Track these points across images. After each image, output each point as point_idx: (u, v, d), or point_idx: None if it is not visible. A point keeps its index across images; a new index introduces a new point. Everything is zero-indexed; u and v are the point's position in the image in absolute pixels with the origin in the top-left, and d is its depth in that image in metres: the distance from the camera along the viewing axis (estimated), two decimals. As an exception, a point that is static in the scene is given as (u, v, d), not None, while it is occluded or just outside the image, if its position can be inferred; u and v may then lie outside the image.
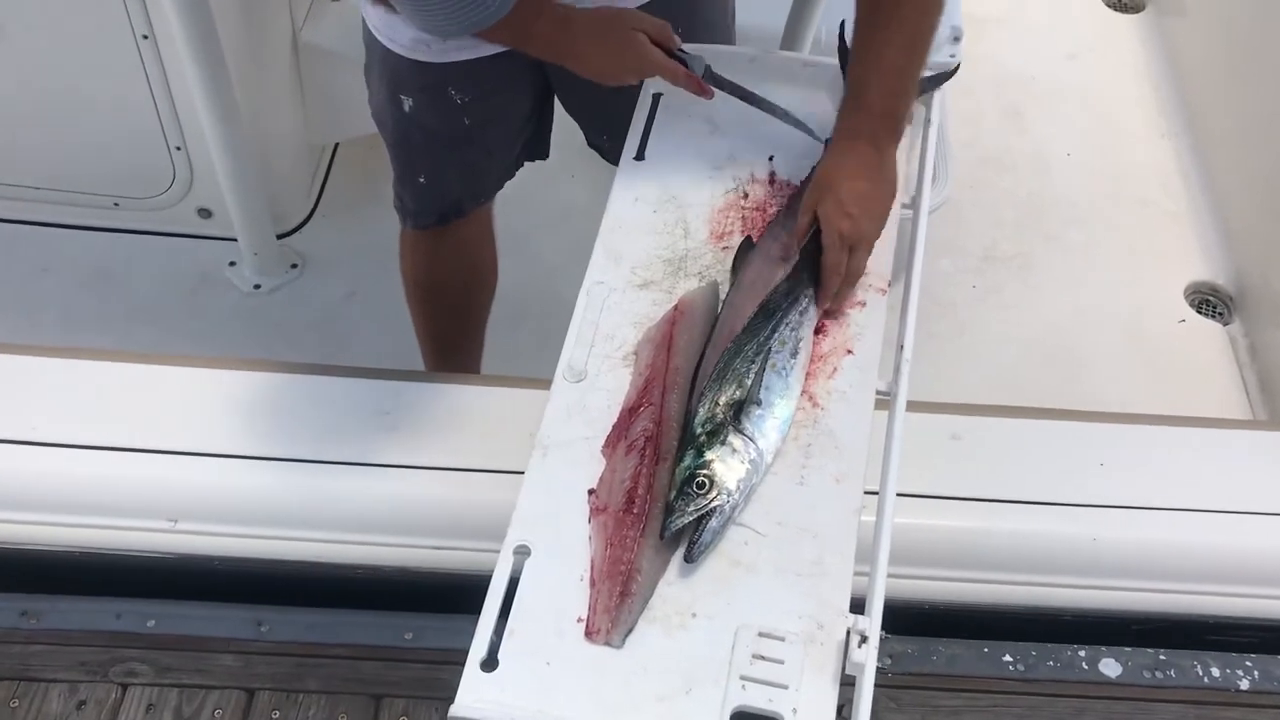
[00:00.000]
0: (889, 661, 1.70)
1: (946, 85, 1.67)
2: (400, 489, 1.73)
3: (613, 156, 1.67)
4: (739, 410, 1.26)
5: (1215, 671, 1.73)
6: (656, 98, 1.63)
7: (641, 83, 1.62)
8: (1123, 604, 1.73)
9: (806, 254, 1.41)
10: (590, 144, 1.99)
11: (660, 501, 1.20)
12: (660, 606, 1.14)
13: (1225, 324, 2.80)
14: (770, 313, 1.35)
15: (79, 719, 1.66)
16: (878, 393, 1.33)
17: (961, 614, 1.76)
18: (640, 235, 1.48)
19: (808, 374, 1.33)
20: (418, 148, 1.88)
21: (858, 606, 1.14)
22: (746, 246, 1.46)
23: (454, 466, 1.73)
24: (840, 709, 1.08)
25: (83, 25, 2.40)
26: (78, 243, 2.78)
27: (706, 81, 1.53)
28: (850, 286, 1.41)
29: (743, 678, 1.08)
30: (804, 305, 1.37)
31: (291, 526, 1.74)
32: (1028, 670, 1.73)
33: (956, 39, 2.36)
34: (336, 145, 3.02)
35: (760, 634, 1.11)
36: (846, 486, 1.24)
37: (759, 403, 1.27)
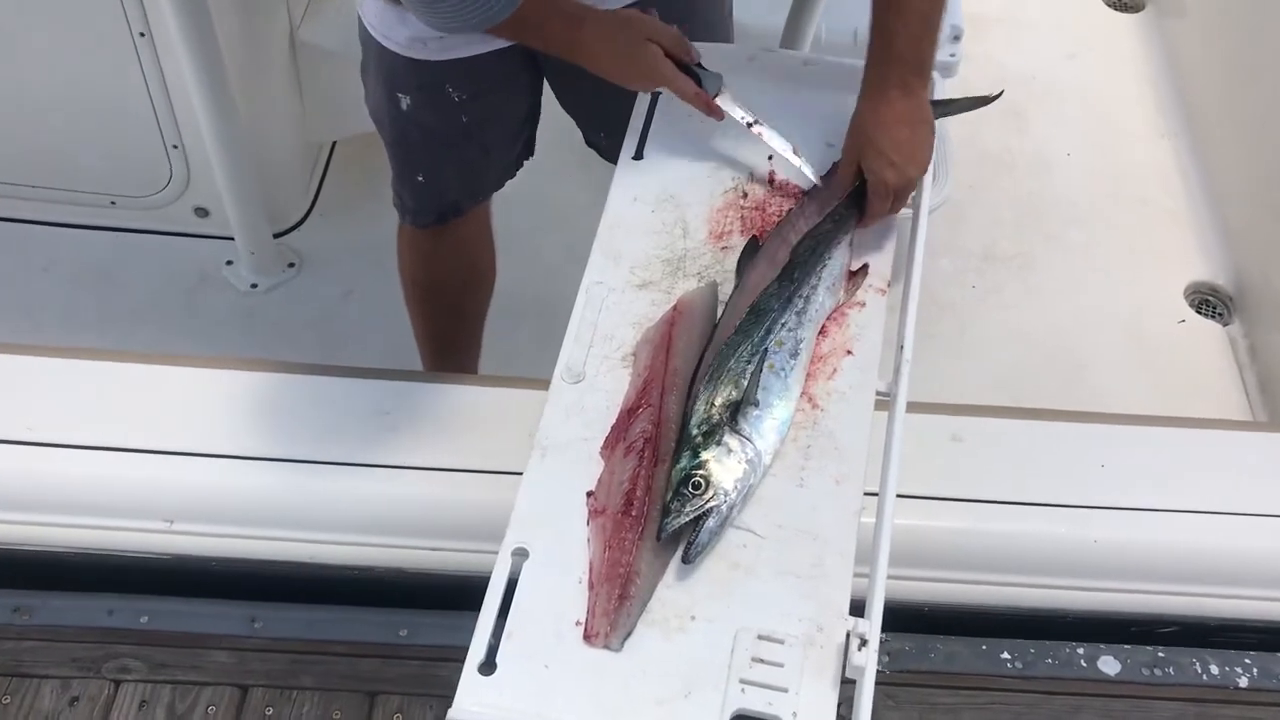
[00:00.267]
0: (886, 659, 1.70)
1: (945, 84, 1.66)
2: (398, 490, 1.73)
3: (611, 155, 1.66)
4: (735, 411, 1.25)
5: (1214, 669, 1.73)
6: (655, 96, 1.62)
7: None
8: (1124, 606, 1.73)
9: (849, 201, 1.47)
10: (588, 142, 1.98)
11: (659, 504, 1.19)
12: (659, 609, 1.13)
13: (1225, 324, 2.79)
14: (761, 314, 1.35)
15: (71, 716, 1.66)
16: (877, 393, 1.33)
17: (961, 616, 1.75)
18: (639, 235, 1.48)
19: (807, 375, 1.33)
20: (415, 146, 1.87)
21: (857, 609, 1.13)
22: (752, 248, 1.46)
23: (452, 467, 1.73)
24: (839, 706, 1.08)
25: (80, 23, 2.39)
26: (73, 241, 2.78)
27: (719, 104, 1.51)
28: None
29: (742, 681, 1.08)
30: (800, 306, 1.37)
31: (289, 527, 1.73)
32: (1026, 668, 1.73)
33: (957, 38, 2.36)
34: (334, 143, 3.02)
35: (760, 637, 1.11)
36: (846, 488, 1.23)
37: (756, 403, 1.26)
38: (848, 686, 1.09)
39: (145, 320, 2.66)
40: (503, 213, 2.15)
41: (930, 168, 1.50)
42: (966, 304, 2.77)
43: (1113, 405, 2.46)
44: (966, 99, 1.64)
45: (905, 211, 1.52)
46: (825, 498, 1.22)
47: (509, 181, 2.02)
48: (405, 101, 1.78)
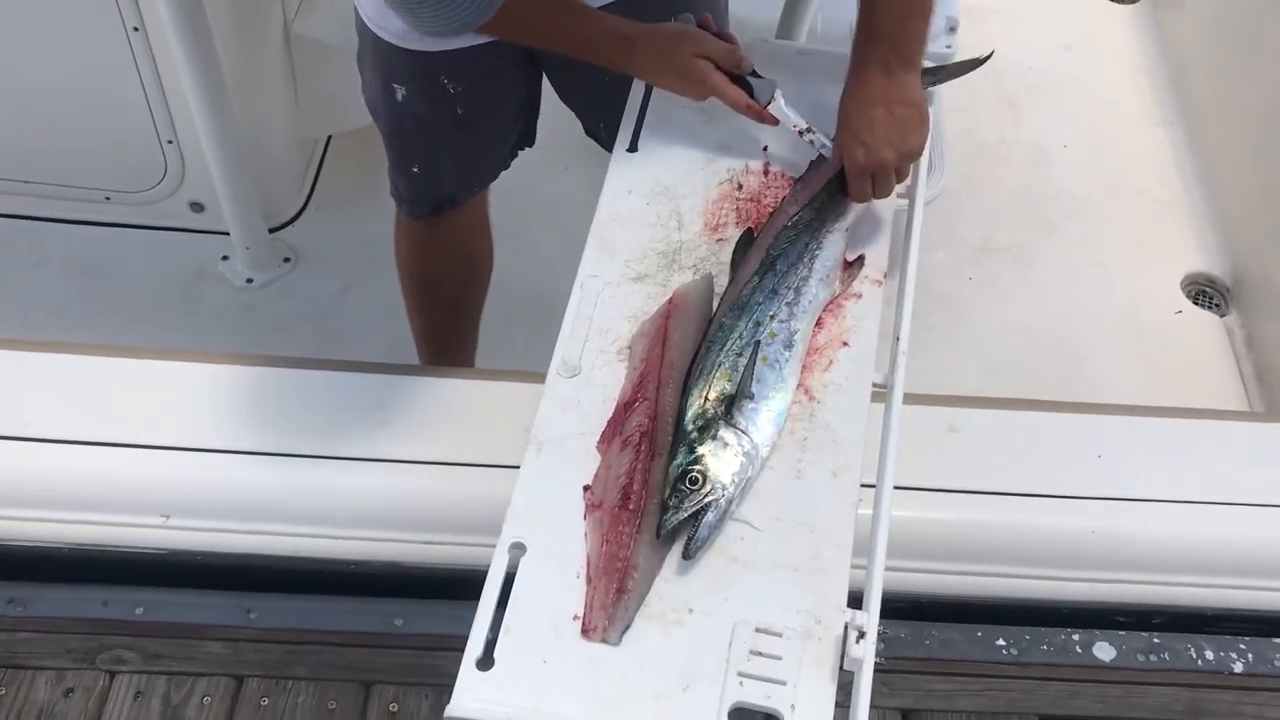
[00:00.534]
0: (882, 646, 1.69)
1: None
2: (394, 484, 1.73)
3: (611, 144, 1.65)
4: (730, 404, 1.25)
5: (1209, 654, 1.73)
6: (649, 87, 1.61)
7: None
8: (1121, 596, 1.73)
9: (829, 188, 1.46)
10: (588, 132, 1.98)
11: (656, 497, 1.19)
12: (657, 603, 1.13)
13: (1222, 315, 2.79)
14: (746, 307, 1.34)
15: (66, 706, 1.66)
16: (874, 385, 1.32)
17: (958, 606, 1.75)
18: (633, 228, 1.47)
19: (803, 367, 1.32)
20: (411, 137, 1.87)
21: (855, 600, 1.13)
22: (746, 240, 1.45)
23: (448, 461, 1.73)
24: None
25: (73, 18, 2.38)
26: (68, 237, 2.77)
27: (771, 111, 1.50)
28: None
29: (740, 674, 1.08)
30: (791, 297, 1.36)
31: (286, 522, 1.73)
32: (1021, 654, 1.73)
33: (953, 29, 2.35)
34: (329, 138, 3.01)
35: (758, 630, 1.10)
36: (843, 480, 1.23)
37: (751, 396, 1.26)
38: (845, 677, 1.09)
39: (140, 315, 2.66)
40: (499, 206, 2.14)
41: (926, 157, 1.50)
42: (963, 296, 2.77)
43: (1109, 396, 2.46)
44: (957, 63, 1.63)
45: (901, 203, 1.52)
46: (822, 490, 1.22)
47: (505, 174, 2.02)
48: (400, 92, 1.78)
